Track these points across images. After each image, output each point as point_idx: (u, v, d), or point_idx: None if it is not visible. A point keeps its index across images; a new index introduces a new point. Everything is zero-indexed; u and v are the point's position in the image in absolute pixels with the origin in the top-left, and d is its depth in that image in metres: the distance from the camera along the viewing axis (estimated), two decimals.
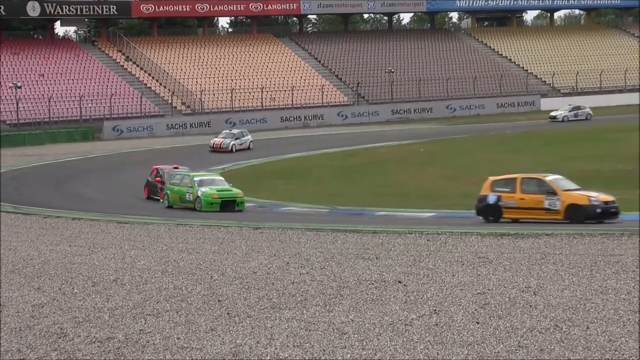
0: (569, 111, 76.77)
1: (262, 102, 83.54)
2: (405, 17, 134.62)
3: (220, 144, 59.37)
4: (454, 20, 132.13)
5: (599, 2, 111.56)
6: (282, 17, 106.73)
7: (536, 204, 26.52)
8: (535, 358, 11.96)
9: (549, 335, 12.96)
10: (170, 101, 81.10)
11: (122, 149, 63.01)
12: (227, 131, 63.28)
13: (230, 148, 59.12)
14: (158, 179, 37.73)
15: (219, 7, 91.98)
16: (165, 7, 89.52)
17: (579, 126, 69.05)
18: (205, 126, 77.57)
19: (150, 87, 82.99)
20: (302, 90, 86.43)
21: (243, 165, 51.37)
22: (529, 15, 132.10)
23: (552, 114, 77.22)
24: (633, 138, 50.81)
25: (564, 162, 45.27)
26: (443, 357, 12.12)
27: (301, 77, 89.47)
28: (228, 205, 33.03)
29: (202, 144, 62.62)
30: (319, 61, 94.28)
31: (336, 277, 17.63)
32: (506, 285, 16.40)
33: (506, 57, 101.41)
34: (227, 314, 14.79)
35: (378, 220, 28.81)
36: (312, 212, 32.31)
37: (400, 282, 16.96)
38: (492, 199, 27.04)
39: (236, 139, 60.41)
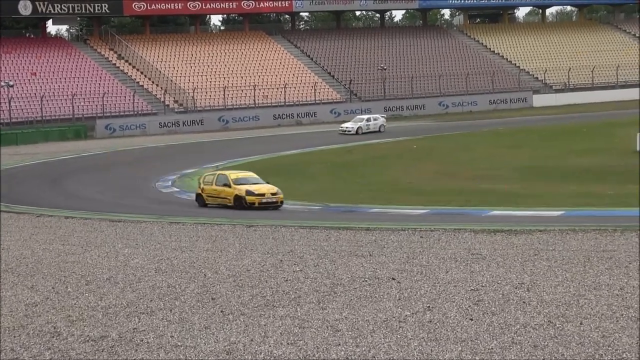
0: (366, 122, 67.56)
1: (254, 100, 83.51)
2: (398, 14, 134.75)
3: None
4: (446, 17, 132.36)
5: None
6: (275, 14, 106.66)
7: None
8: (529, 354, 11.97)
9: (542, 331, 12.97)
10: (162, 99, 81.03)
11: (114, 147, 62.90)
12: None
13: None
14: None
15: (211, 4, 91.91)
16: (157, 5, 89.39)
17: (572, 122, 69.07)
18: (198, 124, 77.59)
19: (142, 85, 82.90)
20: (295, 87, 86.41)
21: (238, 163, 51.32)
22: (521, 12, 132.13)
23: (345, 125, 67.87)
24: (628, 133, 50.83)
25: (555, 158, 45.39)
26: (437, 353, 12.13)
27: (294, 74, 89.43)
28: None
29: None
30: (312, 58, 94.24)
31: (330, 275, 17.62)
32: (499, 281, 16.41)
33: (498, 53, 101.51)
34: (221, 311, 14.79)
35: (371, 217, 28.78)
36: (305, 209, 32.29)
37: (393, 279, 16.96)
38: None
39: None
